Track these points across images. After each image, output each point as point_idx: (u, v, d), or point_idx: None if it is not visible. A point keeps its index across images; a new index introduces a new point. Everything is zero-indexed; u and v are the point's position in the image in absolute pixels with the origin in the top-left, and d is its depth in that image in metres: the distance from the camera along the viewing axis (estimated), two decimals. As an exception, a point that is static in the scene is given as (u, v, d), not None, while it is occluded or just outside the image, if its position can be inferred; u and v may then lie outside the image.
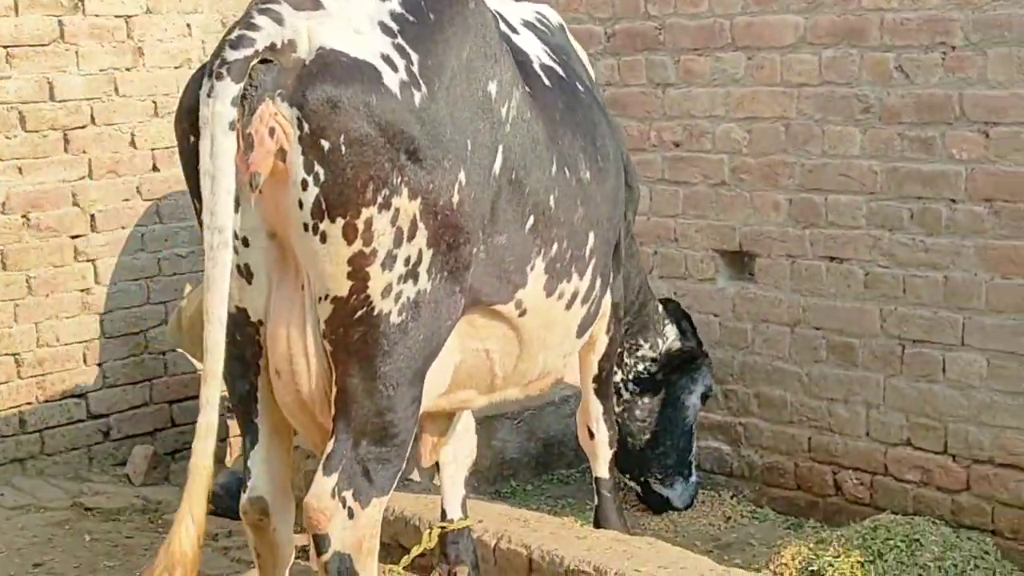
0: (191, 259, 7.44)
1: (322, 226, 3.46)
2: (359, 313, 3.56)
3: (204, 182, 3.37)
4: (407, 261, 3.59)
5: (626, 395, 6.20)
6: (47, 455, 6.98)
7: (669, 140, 6.91)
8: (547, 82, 4.38)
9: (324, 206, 3.44)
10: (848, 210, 6.29)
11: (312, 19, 3.51)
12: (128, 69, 7.20)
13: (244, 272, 3.62)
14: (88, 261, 7.12)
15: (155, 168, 7.31)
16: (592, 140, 4.53)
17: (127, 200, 7.24)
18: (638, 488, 6.51)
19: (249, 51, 3.39)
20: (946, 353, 6.02)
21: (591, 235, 4.47)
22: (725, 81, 6.70)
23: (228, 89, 3.36)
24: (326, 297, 3.55)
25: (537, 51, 4.52)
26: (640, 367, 6.16)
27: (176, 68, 7.42)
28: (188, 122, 3.55)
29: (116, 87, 7.18)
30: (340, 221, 3.46)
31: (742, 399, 6.88)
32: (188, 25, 7.47)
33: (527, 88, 4.14)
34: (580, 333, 4.71)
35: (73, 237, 7.04)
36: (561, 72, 4.55)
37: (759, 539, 6.28)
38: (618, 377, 6.08)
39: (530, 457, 7.15)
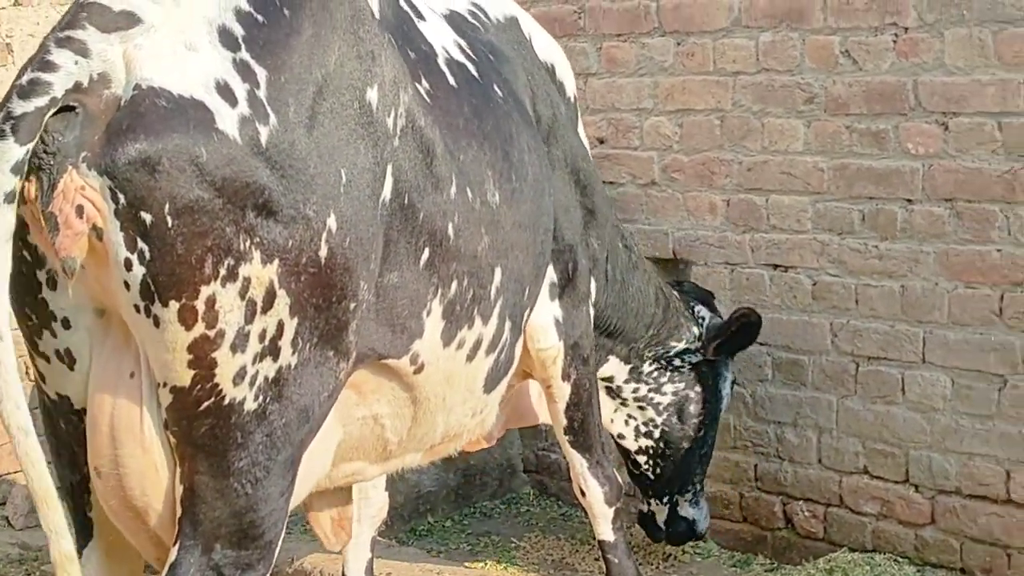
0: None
1: (154, 309, 2.99)
2: (206, 404, 3.11)
3: None
4: (262, 336, 3.12)
5: (668, 396, 5.72)
6: (-86, 499, 6.53)
7: (592, 136, 6.51)
8: (452, 81, 3.90)
9: (154, 288, 2.97)
10: (792, 212, 6.03)
11: (129, 40, 2.98)
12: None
13: (64, 357, 3.17)
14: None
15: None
16: (504, 155, 4.05)
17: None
18: (662, 513, 5.94)
19: (42, 100, 2.88)
20: (905, 371, 5.76)
21: (497, 270, 4.01)
22: (652, 70, 6.42)
23: (10, 152, 2.85)
24: (165, 385, 3.10)
25: (446, 43, 4.04)
26: (679, 361, 5.74)
27: (50, 65, 6.83)
28: None
29: (-17, 89, 6.59)
30: (174, 304, 2.99)
31: (681, 422, 6.55)
32: (62, 17, 6.88)
33: (425, 86, 3.67)
34: (489, 388, 4.24)
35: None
36: (472, 71, 4.07)
37: (703, 579, 6.14)
38: (653, 393, 5.69)
39: (449, 490, 6.92)
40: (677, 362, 5.65)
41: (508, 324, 4.14)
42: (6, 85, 6.37)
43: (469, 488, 6.95)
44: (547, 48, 4.89)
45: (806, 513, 6.13)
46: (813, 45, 5.83)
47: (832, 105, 5.80)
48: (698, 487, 5.87)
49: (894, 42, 5.58)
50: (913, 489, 5.77)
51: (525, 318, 4.41)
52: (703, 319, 5.72)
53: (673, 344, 5.62)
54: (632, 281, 5.31)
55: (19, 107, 2.85)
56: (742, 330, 5.60)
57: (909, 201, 5.63)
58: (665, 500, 5.84)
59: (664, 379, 5.62)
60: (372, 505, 4.87)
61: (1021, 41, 5.27)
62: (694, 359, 5.67)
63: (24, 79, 2.89)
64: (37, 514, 6.24)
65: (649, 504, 5.90)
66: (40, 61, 2.91)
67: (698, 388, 5.70)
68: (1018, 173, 5.32)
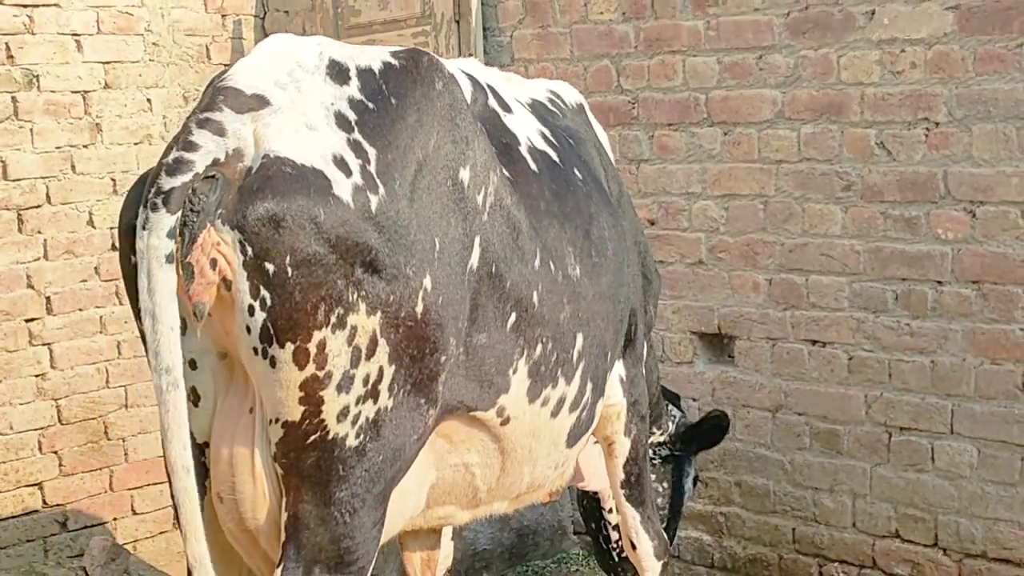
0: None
1: (271, 351, 3.28)
2: (312, 438, 3.38)
3: (145, 321, 3.20)
4: (366, 380, 3.41)
5: None
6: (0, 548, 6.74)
7: (644, 218, 6.63)
8: (534, 167, 4.16)
9: (272, 331, 3.26)
10: (830, 291, 6.14)
11: (259, 120, 3.32)
12: (86, 146, 7.02)
13: (190, 395, 3.43)
14: (43, 345, 6.94)
15: (114, 247, 7.04)
16: (585, 232, 4.30)
17: (84, 281, 7.10)
18: None
19: (187, 177, 3.21)
20: (934, 441, 5.87)
21: (579, 336, 4.23)
22: (701, 157, 6.53)
23: (163, 221, 3.18)
24: (277, 420, 3.38)
25: (530, 132, 4.30)
26: (651, 453, 5.67)
27: (136, 144, 7.26)
28: (127, 243, 3.38)
29: (73, 165, 7.00)
30: (290, 346, 3.28)
31: (723, 487, 6.66)
32: (148, 100, 7.31)
33: (507, 173, 3.95)
34: (571, 443, 4.45)
35: (27, 320, 6.84)
36: (555, 157, 4.33)
37: (743, 637, 6.13)
38: None
39: (503, 548, 7.00)
40: (650, 453, 5.59)
41: (590, 385, 4.33)
42: (95, 163, 6.86)
43: (522, 547, 7.02)
44: (600, 132, 5.08)
45: (841, 574, 6.21)
46: (851, 137, 5.94)
47: (868, 192, 5.90)
48: None
49: (926, 135, 5.71)
50: (942, 552, 5.86)
51: (607, 380, 4.56)
52: (674, 417, 5.71)
53: (654, 430, 5.61)
54: (647, 359, 5.24)
55: (167, 183, 3.17)
56: (713, 429, 5.55)
57: (939, 283, 5.73)
58: None
59: None
60: (441, 551, 5.02)
61: (1043, 136, 5.39)
62: (664, 452, 5.68)
63: (170, 158, 3.21)
64: (112, 565, 6.55)
65: None
66: (184, 142, 3.23)
67: (665, 484, 5.70)
68: (1040, 258, 5.42)
